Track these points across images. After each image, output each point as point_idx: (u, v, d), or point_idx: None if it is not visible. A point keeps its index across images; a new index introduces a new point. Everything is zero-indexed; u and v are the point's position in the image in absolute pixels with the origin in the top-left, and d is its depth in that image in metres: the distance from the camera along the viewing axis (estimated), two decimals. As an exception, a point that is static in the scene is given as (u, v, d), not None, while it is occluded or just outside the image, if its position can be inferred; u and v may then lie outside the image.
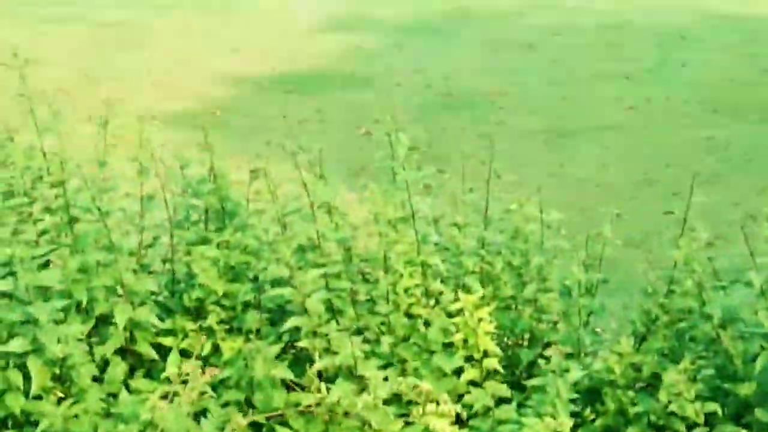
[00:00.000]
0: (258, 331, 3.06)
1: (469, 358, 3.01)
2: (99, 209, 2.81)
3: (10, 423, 2.81)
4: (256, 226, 3.03)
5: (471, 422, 2.95)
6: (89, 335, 2.96)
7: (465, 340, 2.96)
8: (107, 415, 2.84)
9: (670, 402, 2.83)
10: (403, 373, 2.96)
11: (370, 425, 2.67)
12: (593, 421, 3.03)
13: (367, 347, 2.96)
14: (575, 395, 2.86)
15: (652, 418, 2.93)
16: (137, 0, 16.28)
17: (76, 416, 2.77)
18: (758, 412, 2.85)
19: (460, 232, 3.16)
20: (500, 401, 2.96)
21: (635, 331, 3.17)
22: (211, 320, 3.03)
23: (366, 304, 3.09)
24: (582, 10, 14.52)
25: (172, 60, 11.34)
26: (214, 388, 2.73)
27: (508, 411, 2.93)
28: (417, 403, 2.65)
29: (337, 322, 2.99)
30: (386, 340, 3.00)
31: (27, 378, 2.76)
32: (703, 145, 7.93)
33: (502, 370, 3.03)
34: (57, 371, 2.83)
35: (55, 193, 2.92)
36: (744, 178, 7.13)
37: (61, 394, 2.85)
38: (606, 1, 15.29)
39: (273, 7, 15.15)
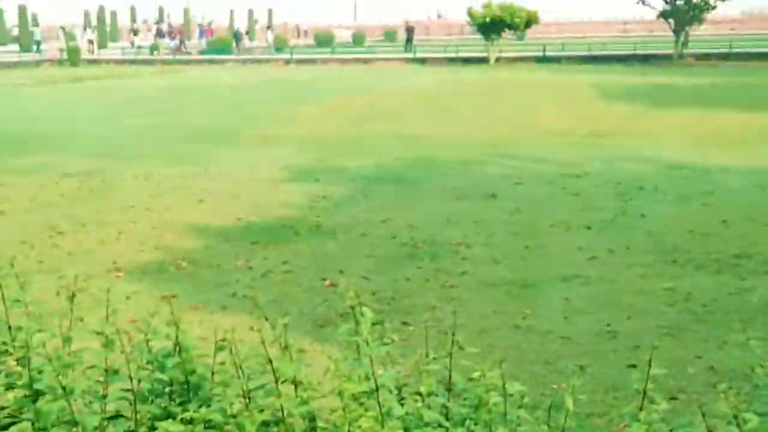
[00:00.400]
0: (220, 507, 3.02)
1: None
2: (63, 387, 2.80)
3: None
4: (221, 399, 3.02)
5: None
6: None
7: None
8: None
9: None
10: None
11: None
12: None
13: None
14: None
15: None
16: (104, 150, 16.51)
17: None
18: None
19: (424, 403, 3.17)
20: None
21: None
22: (173, 497, 2.98)
23: (330, 477, 3.07)
24: (543, 160, 14.90)
25: (137, 210, 11.42)
26: None
27: None
28: None
29: (301, 497, 2.96)
30: None
31: None
32: (664, 296, 8.02)
33: None
34: None
35: (20, 371, 2.92)
36: (705, 330, 7.19)
37: None
38: (566, 151, 15.71)
39: (239, 158, 15.40)
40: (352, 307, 2.91)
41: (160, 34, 59.64)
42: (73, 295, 3.10)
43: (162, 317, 3.31)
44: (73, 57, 48.26)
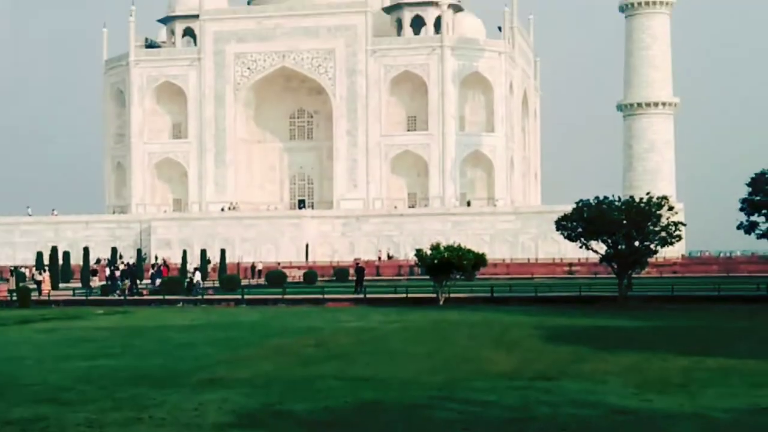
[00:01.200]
0: None
1: None
2: None
3: None
4: None
5: None
6: None
7: None
8: None
9: None
10: None
11: None
12: None
13: None
14: None
15: None
16: (48, 395, 16.29)
17: None
18: None
19: None
20: None
21: None
22: None
23: None
24: (491, 404, 14.92)
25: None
26: None
27: None
28: None
29: None
30: None
31: None
32: None
33: None
34: None
35: None
36: None
37: None
38: (513, 394, 15.78)
39: (185, 402, 15.23)
40: None
41: (123, 275, 58.79)
42: None
43: None
44: (22, 298, 48.02)
